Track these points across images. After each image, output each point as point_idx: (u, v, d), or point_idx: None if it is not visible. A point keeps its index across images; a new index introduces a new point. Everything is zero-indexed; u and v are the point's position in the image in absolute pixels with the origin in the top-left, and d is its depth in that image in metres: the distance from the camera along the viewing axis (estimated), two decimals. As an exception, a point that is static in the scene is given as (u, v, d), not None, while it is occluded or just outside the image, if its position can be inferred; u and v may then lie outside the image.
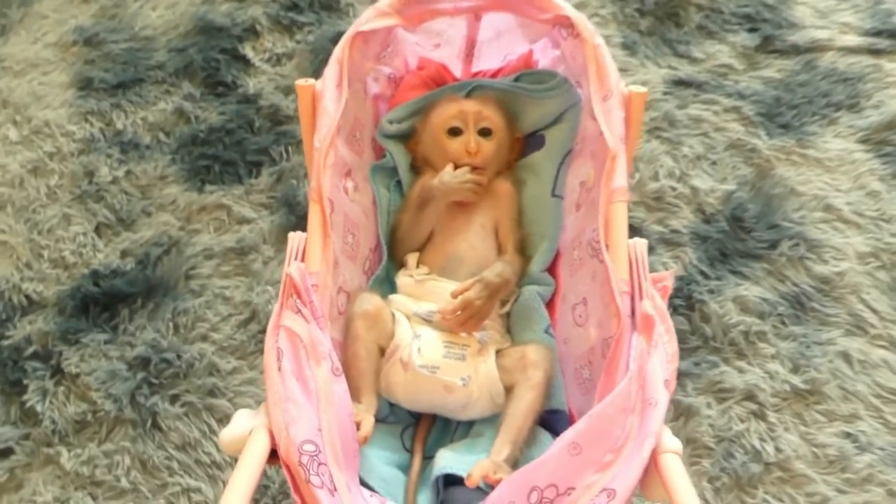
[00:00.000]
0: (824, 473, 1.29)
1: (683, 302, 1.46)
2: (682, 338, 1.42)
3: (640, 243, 0.99)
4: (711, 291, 1.47)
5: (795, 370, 1.39)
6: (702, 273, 1.49)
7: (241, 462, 0.83)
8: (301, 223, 1.53)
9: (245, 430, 0.87)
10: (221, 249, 1.54)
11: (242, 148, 1.68)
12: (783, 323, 1.44)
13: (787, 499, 1.27)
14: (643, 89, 1.08)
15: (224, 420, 1.35)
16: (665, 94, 1.73)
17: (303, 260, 1.00)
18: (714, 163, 1.64)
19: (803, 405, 1.36)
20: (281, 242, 1.55)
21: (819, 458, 1.30)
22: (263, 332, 1.40)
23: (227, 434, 0.88)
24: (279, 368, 0.89)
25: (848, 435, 1.33)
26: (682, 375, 1.36)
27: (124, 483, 1.29)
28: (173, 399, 1.37)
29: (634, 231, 1.52)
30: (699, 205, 1.58)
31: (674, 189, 1.60)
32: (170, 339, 1.43)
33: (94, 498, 1.29)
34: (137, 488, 1.29)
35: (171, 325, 1.45)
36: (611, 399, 0.86)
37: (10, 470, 1.32)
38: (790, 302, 1.46)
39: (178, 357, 1.41)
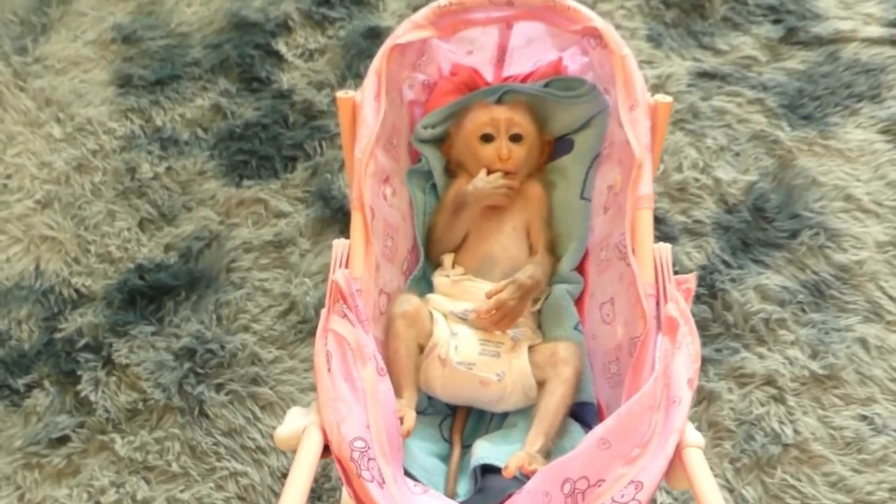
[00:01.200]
0: (841, 454, 1.33)
1: (706, 290, 1.48)
2: (704, 325, 1.45)
3: (665, 248, 1.02)
4: (733, 280, 1.49)
5: (814, 356, 1.42)
6: (724, 262, 1.51)
7: (297, 458, 0.87)
8: (336, 216, 1.58)
9: (299, 428, 0.91)
10: (260, 243, 1.56)
11: (278, 143, 1.69)
12: (803, 310, 1.47)
13: (805, 479, 1.30)
14: (668, 99, 1.10)
15: (267, 407, 1.39)
16: (689, 85, 1.74)
17: (346, 266, 1.03)
18: (737, 154, 1.64)
19: (821, 389, 1.39)
20: (317, 235, 1.57)
21: (836, 440, 1.34)
22: (302, 322, 1.47)
23: (283, 431, 0.92)
24: (329, 370, 0.92)
25: (864, 418, 1.36)
26: (704, 361, 1.40)
27: (175, 468, 1.33)
28: (218, 388, 1.41)
29: (658, 221, 1.54)
30: (722, 195, 1.59)
31: (697, 180, 1.61)
32: (213, 331, 1.46)
33: (147, 482, 1.33)
34: (188, 472, 1.33)
35: (213, 316, 1.48)
36: (638, 398, 0.90)
37: (68, 456, 1.36)
38: (810, 290, 1.48)
39: (222, 347, 1.44)
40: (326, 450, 0.91)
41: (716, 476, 1.29)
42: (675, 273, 1.01)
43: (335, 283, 0.98)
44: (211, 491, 1.32)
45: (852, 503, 1.28)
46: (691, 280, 0.99)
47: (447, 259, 1.21)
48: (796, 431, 1.34)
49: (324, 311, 0.97)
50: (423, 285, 1.22)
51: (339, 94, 1.12)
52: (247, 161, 1.68)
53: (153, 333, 1.48)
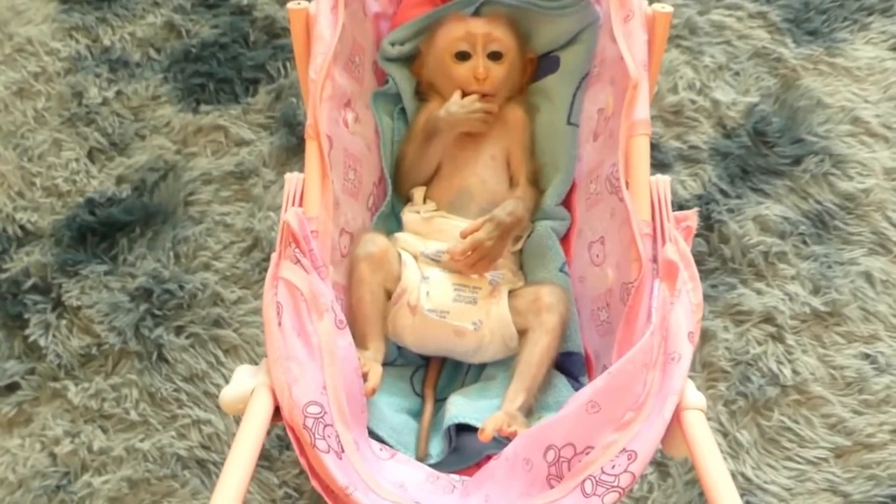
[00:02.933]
0: (841, 395, 1.29)
1: (702, 222, 1.43)
2: (699, 259, 1.40)
3: (663, 181, 0.94)
4: (731, 210, 1.44)
5: (816, 291, 1.37)
6: (721, 191, 1.46)
7: (243, 424, 0.80)
8: (302, 144, 1.49)
9: (246, 390, 0.84)
10: (220, 174, 1.50)
11: (238, 64, 1.62)
12: (804, 243, 1.41)
13: (803, 420, 1.27)
14: (668, 8, 1.00)
15: (231, 351, 1.34)
16: None
17: (300, 204, 0.94)
18: (737, 73, 1.58)
19: (822, 327, 1.35)
20: (282, 165, 1.51)
21: (836, 380, 1.30)
22: (267, 260, 1.41)
23: (228, 393, 0.84)
24: (279, 324, 0.85)
25: (867, 356, 1.32)
26: (703, 302, 1.37)
27: (134, 416, 1.29)
28: (178, 330, 1.36)
29: (651, 147, 1.45)
30: (720, 119, 1.53)
31: (693, 102, 1.54)
32: (171, 269, 1.41)
33: (104, 431, 1.29)
34: (147, 421, 1.29)
35: (171, 254, 1.43)
36: (631, 354, 0.82)
37: (18, 405, 1.32)
38: (812, 221, 1.43)
39: (181, 287, 1.39)
40: (277, 413, 0.83)
41: (709, 419, 1.25)
42: (672, 207, 0.94)
43: (286, 224, 0.90)
44: (172, 440, 1.28)
45: (851, 445, 1.26)
46: (692, 217, 0.92)
47: (417, 193, 1.14)
48: (795, 371, 1.31)
49: (274, 257, 0.90)
50: (392, 223, 1.15)
51: (291, 4, 1.02)
52: (204, 84, 1.61)
53: (106, 273, 1.42)
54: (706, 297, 1.34)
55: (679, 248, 0.88)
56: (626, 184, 0.94)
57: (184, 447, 1.26)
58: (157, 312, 1.37)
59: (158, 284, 1.39)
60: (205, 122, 1.55)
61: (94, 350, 1.35)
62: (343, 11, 1.03)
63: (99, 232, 1.45)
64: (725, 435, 1.26)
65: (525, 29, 1.18)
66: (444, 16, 1.18)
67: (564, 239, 1.13)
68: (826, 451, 1.24)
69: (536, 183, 1.15)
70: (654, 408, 0.80)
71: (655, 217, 0.92)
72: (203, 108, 1.57)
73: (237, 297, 1.38)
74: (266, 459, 1.23)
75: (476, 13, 1.19)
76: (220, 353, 1.33)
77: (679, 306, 0.85)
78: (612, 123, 1.03)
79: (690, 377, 0.84)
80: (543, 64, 1.20)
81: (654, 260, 0.89)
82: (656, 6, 1.01)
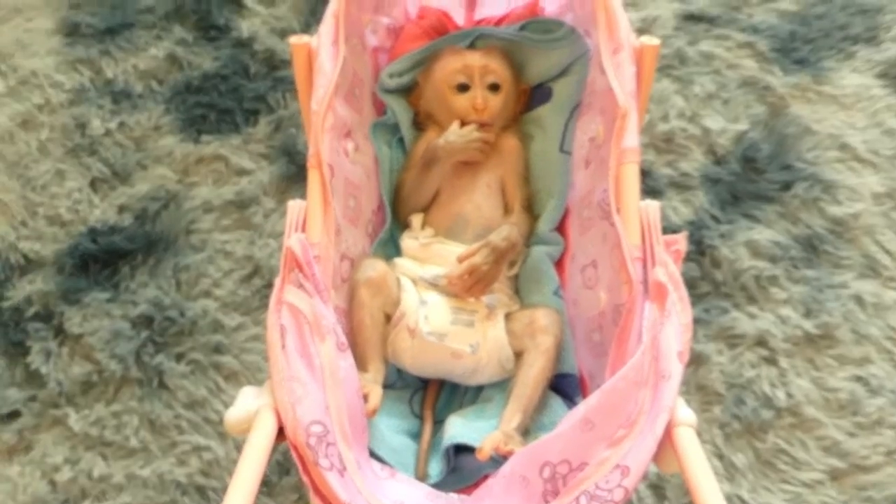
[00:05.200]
0: (835, 417, 1.31)
1: (694, 247, 1.46)
2: (692, 284, 1.43)
3: (653, 206, 0.97)
4: (722, 236, 1.47)
5: (807, 314, 1.39)
6: (713, 217, 1.49)
7: (248, 444, 0.82)
8: (301, 173, 1.52)
9: (251, 411, 0.86)
10: (221, 202, 1.54)
11: (238, 95, 1.66)
12: (795, 266, 1.44)
13: (798, 443, 1.28)
14: (656, 41, 1.04)
15: (231, 377, 1.36)
16: (676, 29, 1.70)
17: (303, 230, 0.98)
18: (726, 101, 1.62)
19: (815, 350, 1.37)
20: (282, 193, 1.54)
21: (830, 403, 1.32)
22: (267, 287, 1.44)
23: (233, 414, 0.86)
24: (283, 346, 0.87)
25: (859, 378, 1.34)
26: (693, 322, 1.37)
27: (134, 443, 1.30)
28: (179, 357, 1.38)
29: (643, 174, 1.50)
30: (710, 146, 1.57)
31: (684, 130, 1.58)
32: (172, 296, 1.43)
33: (104, 458, 1.30)
34: (147, 448, 1.30)
35: (172, 281, 1.45)
36: (623, 373, 0.84)
37: (19, 432, 1.33)
38: (803, 245, 1.46)
39: (182, 314, 1.41)
40: (281, 434, 0.86)
41: (705, 443, 1.28)
42: (663, 232, 0.97)
43: (289, 250, 0.92)
44: (172, 467, 1.29)
45: (847, 468, 1.27)
46: (681, 241, 0.94)
47: (416, 220, 1.17)
48: (789, 394, 1.33)
49: (277, 282, 0.92)
50: (391, 248, 1.18)
51: (293, 39, 1.06)
52: (205, 115, 1.65)
53: (108, 300, 1.44)
54: (699, 321, 1.38)
55: (668, 270, 0.91)
56: (617, 209, 0.97)
57: (183, 474, 1.27)
58: (158, 339, 1.38)
59: (159, 312, 1.41)
60: (206, 151, 1.59)
61: (94, 377, 1.36)
62: (343, 45, 1.06)
63: (101, 260, 1.47)
64: (721, 458, 1.27)
65: (519, 61, 1.21)
66: (440, 49, 1.21)
67: (558, 263, 1.16)
68: (821, 474, 1.25)
69: (531, 209, 1.18)
70: (646, 424, 0.82)
71: (645, 241, 0.95)
72: (204, 138, 1.61)
73: (237, 323, 1.40)
74: (265, 485, 1.24)
75: (471, 46, 1.22)
76: (220, 380, 1.35)
77: (669, 326, 0.87)
78: (602, 151, 1.06)
79: (685, 399, 0.87)
80: (536, 94, 1.23)
81: (645, 282, 0.92)
82: (644, 39, 1.05)
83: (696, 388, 1.33)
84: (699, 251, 1.45)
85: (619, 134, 0.99)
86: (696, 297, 1.41)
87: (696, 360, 1.35)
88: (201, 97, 1.65)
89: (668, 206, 1.50)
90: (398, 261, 1.13)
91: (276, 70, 1.68)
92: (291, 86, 1.64)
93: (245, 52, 1.71)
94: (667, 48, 1.67)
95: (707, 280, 1.43)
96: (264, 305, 1.42)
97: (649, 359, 0.85)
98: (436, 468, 0.99)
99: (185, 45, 1.72)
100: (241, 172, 1.57)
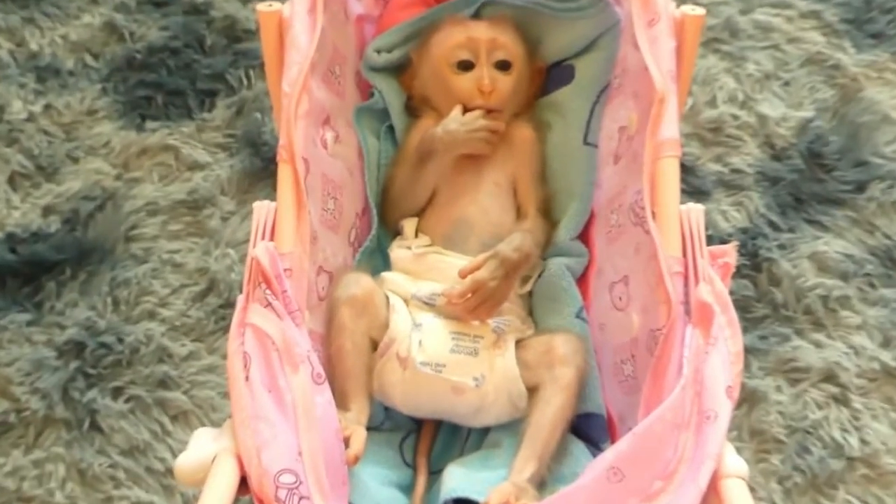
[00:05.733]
0: None
1: (748, 261, 1.47)
2: (746, 305, 1.44)
3: (696, 210, 0.99)
4: (782, 247, 1.49)
5: (886, 344, 1.41)
6: (770, 224, 1.51)
7: (203, 498, 0.83)
8: (268, 168, 1.57)
9: (207, 456, 0.87)
10: (169, 203, 1.55)
11: (191, 73, 1.67)
12: (871, 285, 1.46)
13: (874, 500, 1.29)
14: (700, 11, 1.06)
15: (179, 418, 1.37)
16: None
17: (271, 238, 0.99)
18: (787, 83, 1.64)
19: (894, 387, 1.38)
20: (244, 193, 1.56)
21: None
22: (226, 306, 1.45)
23: (185, 461, 0.88)
24: (246, 378, 0.88)
25: None
26: (746, 352, 1.35)
27: (59, 498, 1.30)
28: (116, 393, 1.38)
29: (686, 171, 1.53)
30: (767, 137, 1.59)
31: (736, 117, 1.60)
32: (108, 318, 1.44)
33: None
34: None
35: (108, 300, 1.46)
36: (659, 412, 0.86)
37: None
38: (881, 258, 1.48)
39: (120, 340, 1.42)
40: (244, 485, 0.86)
41: (759, 500, 1.29)
42: (709, 242, 0.98)
43: (255, 262, 0.94)
44: None
45: None
46: (730, 252, 0.96)
47: (408, 225, 1.18)
48: (863, 441, 1.34)
49: (240, 300, 0.94)
50: (378, 260, 1.19)
51: (261, 6, 1.08)
52: (150, 97, 1.66)
53: (29, 323, 1.45)
54: (754, 351, 1.39)
55: (715, 288, 0.93)
56: (653, 214, 0.99)
57: (121, 536, 1.27)
58: (91, 371, 1.39)
59: (92, 337, 1.42)
60: (151, 141, 1.60)
61: (12, 417, 1.36)
62: (322, 14, 1.07)
63: (21, 274, 1.48)
64: (779, 517, 1.28)
65: (534, 34, 1.23)
66: (439, 18, 1.23)
67: (581, 279, 1.17)
68: (902, 538, 1.27)
69: (548, 213, 1.19)
70: (688, 475, 0.84)
71: (687, 253, 0.96)
72: (149, 124, 1.62)
73: (188, 351, 1.41)
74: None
75: (476, 15, 1.24)
76: (166, 421, 1.36)
77: (715, 356, 0.89)
78: (635, 143, 1.08)
79: (735, 446, 0.88)
80: (555, 74, 1.25)
81: (687, 303, 0.94)
82: (686, 8, 1.07)
83: (750, 433, 1.34)
84: (754, 265, 1.47)
85: (656, 122, 1.01)
86: (750, 322, 1.43)
87: (749, 398, 1.37)
88: (146, 75, 1.67)
89: (716, 210, 1.52)
90: (387, 275, 1.14)
91: (238, 42, 1.70)
92: (256, 61, 1.67)
93: (200, 19, 1.72)
94: (714, 17, 1.68)
95: (764, 301, 1.45)
96: (223, 329, 1.44)
97: (691, 395, 0.87)
98: (431, 528, 1.01)
99: (125, 11, 1.73)
100: (195, 167, 1.58)
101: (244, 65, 1.67)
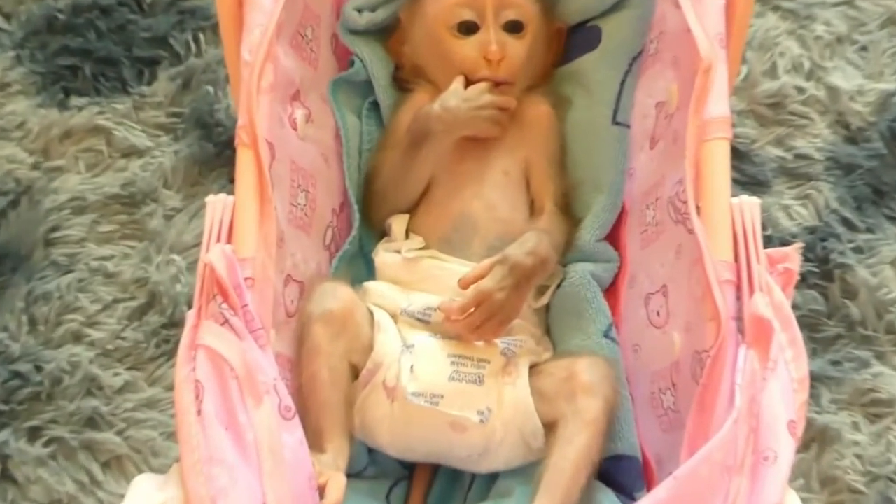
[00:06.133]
0: None
1: (816, 268, 1.48)
2: (814, 323, 1.45)
3: (751, 204, 1.00)
4: (859, 250, 1.50)
5: None
6: (844, 222, 1.52)
7: None
8: (223, 153, 1.57)
9: None
10: (99, 198, 1.55)
11: (126, 36, 1.67)
12: None
13: None
14: None
15: (112, 464, 1.38)
16: None
17: (229, 241, 1.00)
18: (864, 48, 1.65)
19: None
20: (192, 185, 1.56)
21: None
22: (169, 326, 1.45)
23: None
24: (198, 413, 0.90)
25: None
26: (815, 380, 1.38)
27: None
28: (32, 434, 1.39)
29: (739, 157, 1.54)
30: (840, 115, 1.60)
31: (801, 90, 1.61)
32: (24, 342, 1.45)
33: None
34: None
35: (24, 318, 1.47)
36: (706, 452, 0.87)
37: None
38: None
39: (38, 369, 1.43)
40: None
41: None
42: (769, 244, 1.00)
43: (209, 269, 0.96)
44: None
45: None
46: (793, 256, 0.98)
47: (397, 224, 1.20)
48: None
49: (190, 316, 0.95)
50: (360, 267, 1.22)
51: None
52: (76, 67, 1.66)
53: None
54: (825, 379, 1.41)
55: (774, 300, 0.94)
56: (698, 209, 1.01)
57: None
58: (1, 407, 1.40)
59: (3, 365, 1.42)
60: (77, 121, 1.60)
61: None
62: None
63: (-87, 286, 1.47)
64: (856, 584, 1.29)
65: None
66: None
67: (610, 289, 1.19)
68: None
69: (568, 209, 1.21)
70: None
71: (740, 257, 0.98)
72: (74, 101, 1.62)
73: (123, 382, 1.42)
74: None
75: None
76: (95, 469, 1.37)
77: (774, 383, 0.91)
78: (676, 123, 1.10)
79: (803, 497, 0.89)
80: (578, 38, 1.27)
81: (739, 318, 0.95)
82: None
83: (820, 480, 1.36)
84: (824, 273, 1.48)
85: (701, 97, 1.03)
86: (819, 344, 1.44)
87: (819, 438, 1.38)
88: (70, 40, 1.66)
89: (776, 206, 1.53)
90: (371, 285, 1.16)
91: None
92: (207, 20, 1.67)
93: None
94: None
95: (837, 317, 1.46)
96: (166, 354, 1.44)
97: (745, 432, 0.88)
98: None
99: None
100: (131, 153, 1.58)
101: (192, 27, 1.67)
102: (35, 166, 1.59)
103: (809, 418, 1.35)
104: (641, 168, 1.20)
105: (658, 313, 1.10)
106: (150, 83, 1.64)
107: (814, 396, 1.40)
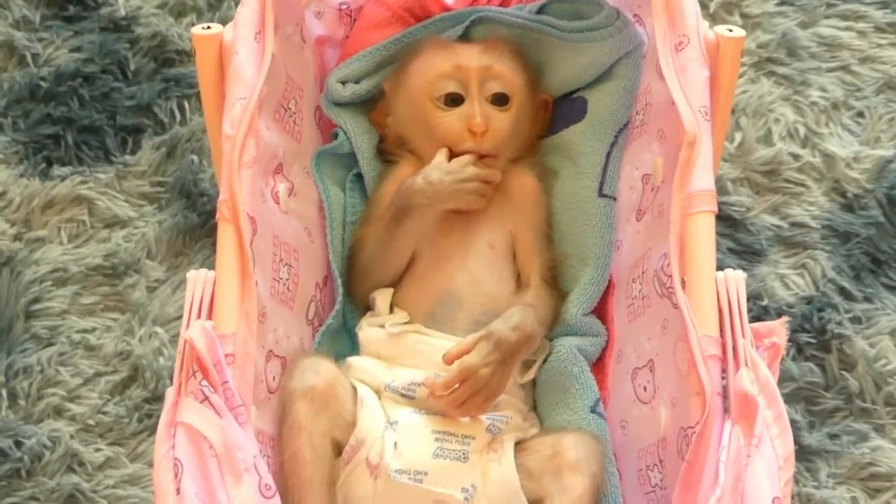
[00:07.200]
0: None
1: (813, 338, 1.49)
2: (812, 395, 1.46)
3: (736, 278, 1.02)
4: (857, 320, 1.51)
5: None
6: (842, 292, 1.53)
7: None
8: (207, 223, 1.57)
9: None
10: (81, 270, 1.56)
11: (110, 104, 1.68)
12: None
13: None
14: (740, 33, 1.09)
15: None
16: (781, 3, 1.74)
17: (210, 316, 1.02)
18: (860, 114, 1.65)
19: None
20: (176, 256, 1.57)
21: None
22: (151, 401, 1.46)
23: None
24: (177, 491, 0.91)
25: None
26: (813, 454, 1.41)
27: None
28: None
29: (735, 226, 1.56)
30: (837, 182, 1.60)
31: (796, 157, 1.62)
32: (3, 416, 1.45)
33: None
34: None
35: (3, 392, 1.47)
36: None
37: None
38: None
39: (18, 444, 1.43)
40: None
41: None
42: (765, 314, 1.03)
43: (189, 345, 0.97)
44: None
45: None
46: (779, 330, 1.00)
47: (381, 299, 1.22)
48: None
49: (170, 392, 0.97)
50: (344, 342, 1.23)
51: (196, 29, 1.11)
52: (59, 135, 1.67)
53: None
54: (823, 453, 1.41)
55: (759, 376, 0.96)
56: (683, 283, 1.02)
57: None
58: None
59: None
60: (59, 191, 1.61)
61: None
62: (272, 37, 1.11)
63: None
64: None
65: (536, 60, 1.27)
66: (419, 41, 1.26)
67: (598, 364, 1.21)
68: None
69: (555, 282, 1.22)
70: None
71: (725, 331, 1.00)
72: (57, 170, 1.63)
73: (105, 458, 1.42)
74: None
75: (465, 37, 1.28)
76: (76, 549, 1.36)
77: (759, 460, 0.92)
78: (661, 196, 1.12)
79: None
80: (564, 109, 1.29)
81: (725, 394, 0.97)
82: (720, 29, 1.10)
83: (820, 560, 1.36)
84: (821, 344, 1.48)
85: (685, 170, 1.05)
86: (817, 417, 1.44)
87: (819, 514, 1.38)
88: (52, 108, 1.67)
89: (771, 275, 1.53)
90: (354, 360, 1.18)
91: (169, 66, 1.71)
92: (191, 88, 1.68)
93: (121, 38, 1.72)
94: (770, 32, 1.70)
95: (834, 389, 1.46)
96: (148, 429, 1.45)
97: (730, 509, 0.90)
98: None
99: (28, 27, 1.74)
100: (114, 223, 1.59)
101: (176, 94, 1.68)
102: (16, 237, 1.60)
103: (808, 493, 1.38)
104: (628, 240, 1.21)
105: (645, 388, 1.11)
106: (133, 152, 1.66)
107: (812, 471, 1.40)
